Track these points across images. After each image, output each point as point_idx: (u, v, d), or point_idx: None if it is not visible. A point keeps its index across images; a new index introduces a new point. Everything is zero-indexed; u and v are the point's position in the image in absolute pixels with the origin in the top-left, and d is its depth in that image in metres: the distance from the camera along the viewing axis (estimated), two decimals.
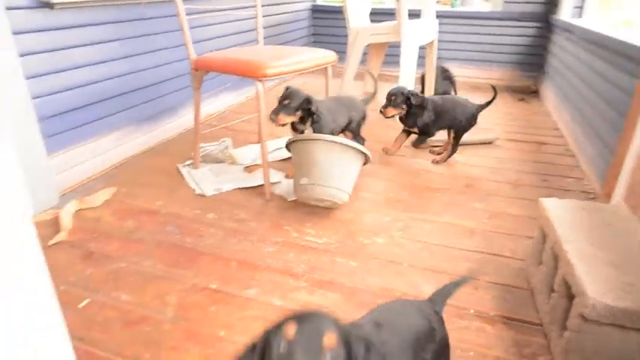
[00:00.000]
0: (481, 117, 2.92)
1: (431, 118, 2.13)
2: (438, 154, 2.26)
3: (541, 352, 1.07)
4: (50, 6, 1.63)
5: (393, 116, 2.15)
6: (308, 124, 1.83)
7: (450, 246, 1.50)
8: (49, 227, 1.55)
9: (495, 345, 1.09)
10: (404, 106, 2.10)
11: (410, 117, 2.13)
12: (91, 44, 1.85)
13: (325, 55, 1.88)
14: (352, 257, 1.43)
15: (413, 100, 2.08)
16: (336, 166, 1.63)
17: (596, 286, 0.91)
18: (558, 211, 1.20)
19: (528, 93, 3.67)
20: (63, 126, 1.77)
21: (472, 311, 1.20)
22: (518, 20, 3.62)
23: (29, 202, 1.56)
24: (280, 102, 1.79)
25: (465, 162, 2.22)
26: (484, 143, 2.44)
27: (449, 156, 2.18)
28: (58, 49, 1.70)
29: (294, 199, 1.77)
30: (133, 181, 1.91)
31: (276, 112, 1.78)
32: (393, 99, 2.11)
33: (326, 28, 4.29)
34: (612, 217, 1.19)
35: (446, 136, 2.23)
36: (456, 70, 3.40)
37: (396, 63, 3.11)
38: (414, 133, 2.21)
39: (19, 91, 1.50)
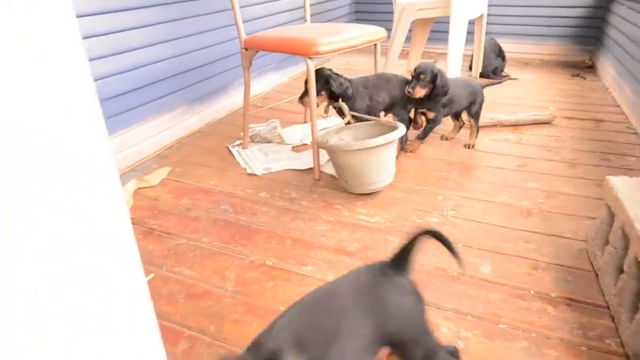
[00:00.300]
0: (533, 94, 2.83)
1: (444, 103, 1.94)
2: (448, 138, 2.14)
3: (608, 334, 1.04)
4: None
5: (421, 97, 1.90)
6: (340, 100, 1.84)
7: (507, 226, 1.46)
8: None
9: (559, 327, 1.06)
10: (431, 86, 1.88)
11: (430, 99, 1.90)
12: (143, 26, 1.89)
13: (375, 32, 1.85)
14: (405, 236, 1.42)
15: (439, 80, 1.85)
16: (369, 167, 1.60)
17: None
18: (627, 189, 1.15)
19: (583, 68, 3.48)
20: (121, 107, 1.84)
21: (532, 292, 1.18)
22: None
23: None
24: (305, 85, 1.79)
25: (517, 141, 2.14)
26: (540, 122, 2.34)
27: (477, 135, 2.07)
28: (114, 31, 1.75)
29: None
30: (186, 161, 1.96)
31: (301, 96, 1.88)
32: (422, 77, 1.87)
33: (369, 4, 4.20)
34: None
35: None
36: (506, 46, 3.26)
37: (441, 40, 3.02)
38: (426, 118, 1.99)
39: (85, 74, 1.56)
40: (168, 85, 2.08)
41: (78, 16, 1.54)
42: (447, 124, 2.15)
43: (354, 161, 1.58)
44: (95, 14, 1.66)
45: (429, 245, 1.36)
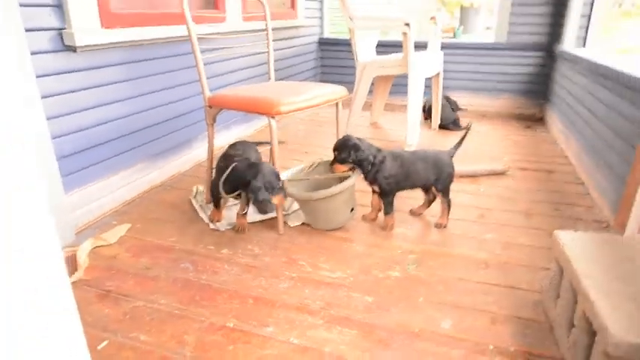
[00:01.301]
0: (489, 146, 2.97)
1: (391, 173, 1.76)
2: (419, 214, 1.97)
3: None
4: (73, 49, 1.69)
5: (345, 172, 1.81)
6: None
7: (466, 279, 1.50)
8: (65, 266, 1.56)
9: None
10: (351, 160, 1.75)
11: (369, 172, 1.77)
12: (107, 84, 1.90)
13: (336, 91, 1.93)
14: (367, 292, 1.43)
15: (353, 155, 1.73)
16: (333, 211, 1.78)
17: (618, 323, 0.90)
18: (574, 244, 1.20)
19: (534, 120, 3.70)
20: (79, 164, 1.81)
21: (492, 347, 1.19)
22: (523, 50, 3.69)
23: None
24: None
25: (475, 192, 2.23)
26: (496, 173, 2.45)
27: (448, 212, 1.86)
28: (76, 90, 1.76)
29: (299, 223, 1.88)
30: (146, 217, 1.93)
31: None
32: (336, 153, 1.78)
33: (333, 60, 4.39)
34: (629, 250, 1.19)
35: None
36: (463, 100, 3.46)
37: (402, 92, 3.17)
38: (374, 191, 1.85)
39: (41, 132, 1.54)
40: (127, 141, 2.07)
41: (40, 77, 1.55)
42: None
43: (319, 206, 1.77)
44: (53, 74, 1.66)
45: (390, 300, 1.38)
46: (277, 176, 1.67)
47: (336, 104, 2.01)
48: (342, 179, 1.79)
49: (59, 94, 1.68)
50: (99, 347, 1.19)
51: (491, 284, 1.47)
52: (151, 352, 1.17)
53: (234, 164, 1.71)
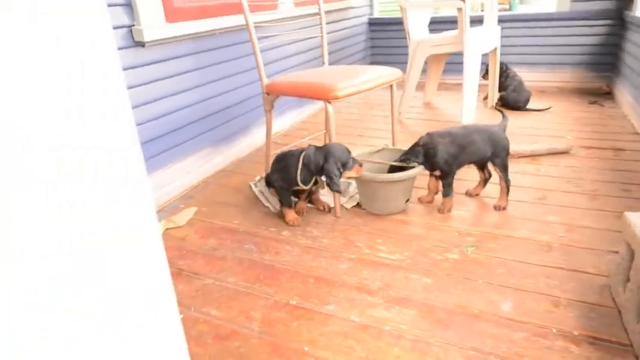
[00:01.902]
0: (551, 123, 2.85)
1: (448, 152, 1.74)
2: (475, 194, 1.94)
3: None
4: (142, 44, 1.80)
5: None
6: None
7: (528, 262, 1.48)
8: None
9: None
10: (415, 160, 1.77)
11: (426, 159, 1.77)
12: (173, 75, 2.02)
13: (391, 73, 1.93)
14: (425, 274, 1.45)
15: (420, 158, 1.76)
16: (390, 197, 1.80)
17: None
18: None
19: (601, 95, 3.48)
20: (153, 151, 1.94)
21: (554, 330, 1.18)
22: (588, 19, 3.46)
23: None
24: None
25: (535, 172, 2.16)
26: (557, 153, 2.36)
27: (507, 193, 1.82)
28: (148, 82, 1.87)
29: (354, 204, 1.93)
30: (211, 201, 2.04)
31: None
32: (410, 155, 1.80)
33: (383, 40, 4.33)
34: None
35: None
36: (521, 75, 3.31)
37: (457, 71, 3.09)
38: (432, 174, 1.84)
39: (129, 120, 1.67)
40: (195, 127, 2.19)
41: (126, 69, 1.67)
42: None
43: (378, 189, 1.79)
44: (131, 68, 1.79)
45: (449, 282, 1.39)
46: (348, 151, 1.72)
47: (391, 86, 2.01)
48: (404, 168, 1.79)
49: (131, 88, 1.80)
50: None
51: (554, 267, 1.44)
52: (222, 326, 1.27)
53: (304, 153, 1.73)
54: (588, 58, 3.60)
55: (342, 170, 1.68)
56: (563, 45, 3.64)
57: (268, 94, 1.97)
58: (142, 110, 1.86)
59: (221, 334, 1.24)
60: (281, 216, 1.87)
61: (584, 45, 3.57)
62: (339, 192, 1.71)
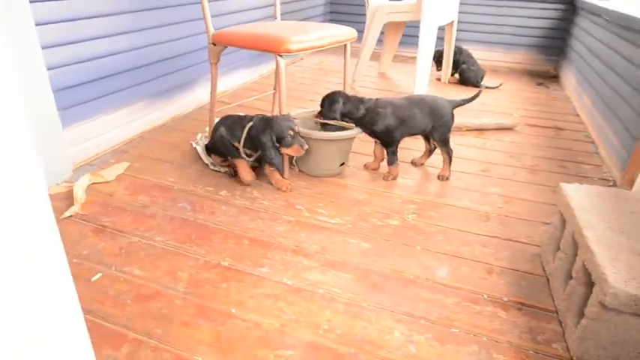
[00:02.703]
0: (499, 100, 2.88)
1: (386, 123, 1.70)
2: (420, 164, 1.93)
3: (555, 339, 1.05)
4: None
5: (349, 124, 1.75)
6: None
7: (466, 230, 1.48)
8: (62, 200, 1.55)
9: (508, 331, 1.07)
10: (332, 116, 1.72)
11: (366, 124, 1.73)
12: (106, 15, 1.82)
13: (346, 32, 1.84)
14: (364, 239, 1.42)
15: (339, 110, 1.71)
16: (324, 157, 1.75)
17: (618, 274, 0.88)
18: (579, 196, 1.17)
19: (548, 77, 3.58)
20: (76, 99, 1.76)
21: (485, 296, 1.18)
22: (543, 2, 3.50)
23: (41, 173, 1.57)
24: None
25: (481, 146, 2.18)
26: (503, 128, 2.39)
27: (449, 163, 1.81)
28: (72, 19, 1.68)
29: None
30: (145, 157, 1.90)
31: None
32: (321, 109, 1.79)
33: (343, 5, 4.20)
34: (635, 205, 1.15)
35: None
36: (475, 53, 3.32)
37: (412, 44, 3.05)
38: (377, 141, 1.81)
39: (35, 61, 1.49)
40: (129, 77, 2.01)
41: (33, 1, 1.47)
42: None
43: (312, 147, 1.70)
44: (50, 0, 1.58)
45: (387, 247, 1.37)
46: (292, 128, 1.63)
47: (345, 46, 1.92)
48: (344, 130, 1.74)
49: (55, 22, 1.60)
50: (92, 279, 1.19)
51: (490, 236, 1.45)
52: (144, 286, 1.18)
53: (250, 123, 1.65)
54: (540, 41, 3.66)
55: (276, 145, 1.62)
56: (518, 26, 3.67)
57: (215, 44, 1.83)
58: (63, 51, 1.66)
59: (142, 295, 1.15)
60: (221, 175, 1.77)
61: (537, 28, 3.63)
62: (272, 165, 1.65)
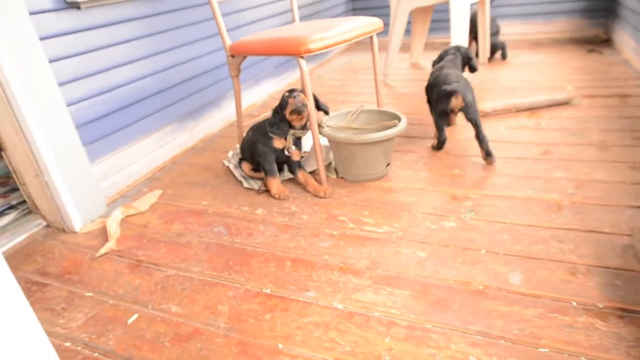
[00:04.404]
0: (548, 75, 2.63)
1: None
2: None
3: None
4: (77, 6, 1.55)
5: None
6: None
7: (535, 225, 1.28)
8: (97, 237, 1.50)
9: (612, 346, 0.88)
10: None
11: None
12: (121, 43, 1.77)
13: (370, 22, 1.69)
14: (419, 247, 1.26)
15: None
16: (369, 161, 1.61)
17: None
18: None
19: (598, 42, 3.26)
20: (102, 132, 1.71)
21: (575, 303, 0.99)
22: None
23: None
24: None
25: (536, 126, 1.95)
26: (558, 104, 2.15)
27: (481, 145, 1.65)
28: (88, 51, 1.63)
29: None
30: (178, 182, 1.83)
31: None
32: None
33: (364, 1, 4.05)
34: None
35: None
36: (512, 28, 3.08)
37: (443, 28, 2.86)
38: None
39: (52, 99, 1.44)
40: (153, 102, 1.95)
41: (44, 39, 1.43)
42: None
43: (354, 153, 1.58)
44: (65, 34, 1.54)
45: (446, 254, 1.20)
46: (284, 124, 1.59)
47: (371, 38, 1.77)
48: (384, 129, 1.59)
49: (68, 57, 1.56)
50: (129, 321, 1.10)
51: (566, 229, 1.25)
52: (182, 325, 1.07)
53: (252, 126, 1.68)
54: (583, 5, 3.36)
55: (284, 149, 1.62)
56: None
57: (233, 56, 1.74)
58: (79, 85, 1.61)
59: (181, 335, 1.05)
60: (253, 193, 1.66)
61: None
62: (267, 173, 1.62)
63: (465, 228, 1.32)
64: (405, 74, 3.05)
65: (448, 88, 1.62)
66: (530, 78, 2.60)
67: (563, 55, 3.04)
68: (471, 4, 2.57)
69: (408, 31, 3.08)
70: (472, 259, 1.18)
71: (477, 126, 1.61)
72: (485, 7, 2.85)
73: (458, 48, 1.94)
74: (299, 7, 2.05)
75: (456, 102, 1.62)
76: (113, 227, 1.51)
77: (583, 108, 2.09)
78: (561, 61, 2.92)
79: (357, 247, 1.29)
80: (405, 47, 3.46)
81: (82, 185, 1.56)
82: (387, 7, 2.88)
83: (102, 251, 1.40)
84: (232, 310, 1.10)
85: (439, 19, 3.50)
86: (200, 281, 1.23)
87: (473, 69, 1.95)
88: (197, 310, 1.12)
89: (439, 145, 1.79)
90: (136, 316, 1.13)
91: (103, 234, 1.50)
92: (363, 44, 4.18)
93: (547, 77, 2.61)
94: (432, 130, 1.88)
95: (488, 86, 2.53)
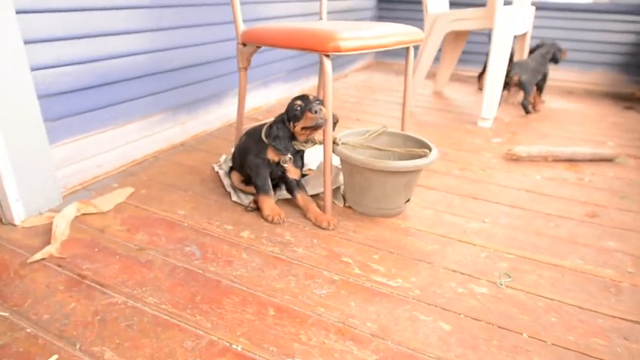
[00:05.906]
0: (583, 125, 2.40)
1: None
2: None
3: None
4: None
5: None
6: None
7: (590, 308, 1.00)
8: (38, 236, 1.20)
9: None
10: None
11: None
12: (116, 8, 1.50)
13: (409, 31, 1.43)
14: (442, 316, 0.97)
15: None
16: (387, 193, 1.33)
17: None
18: None
19: (634, 100, 3.04)
20: (72, 108, 1.42)
21: None
22: (629, 13, 3.01)
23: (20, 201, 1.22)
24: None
25: (577, 182, 1.69)
26: (600, 159, 1.90)
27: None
28: (73, 9, 1.35)
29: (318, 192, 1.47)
30: (156, 182, 1.54)
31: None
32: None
33: (395, 11, 3.84)
34: None
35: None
36: (549, 73, 2.85)
37: (472, 61, 2.63)
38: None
39: (11, 58, 1.16)
40: (142, 84, 1.67)
41: None
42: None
43: (372, 180, 1.30)
44: None
45: (478, 333, 0.91)
46: (288, 138, 1.31)
47: (407, 49, 1.51)
48: (411, 157, 1.32)
49: (44, 11, 1.28)
50: None
51: (631, 321, 0.97)
52: None
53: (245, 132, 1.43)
54: (622, 59, 3.15)
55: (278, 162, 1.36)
56: (597, 42, 3.18)
57: (245, 44, 1.48)
58: (52, 47, 1.33)
59: None
60: (248, 212, 1.38)
61: (621, 43, 3.12)
62: (260, 191, 1.34)
63: (501, 298, 1.03)
64: (428, 102, 2.81)
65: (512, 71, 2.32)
66: (566, 127, 2.36)
67: (600, 109, 2.81)
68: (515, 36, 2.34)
69: (436, 59, 2.85)
70: (511, 344, 0.90)
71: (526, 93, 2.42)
72: (526, 43, 2.62)
73: (553, 44, 2.58)
74: (328, 13, 1.80)
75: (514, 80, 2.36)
76: (61, 226, 1.21)
77: (630, 169, 1.84)
78: (599, 114, 2.69)
79: (363, 302, 1.00)
80: (429, 75, 3.23)
81: (33, 168, 1.27)
82: (415, 21, 2.66)
83: (37, 256, 1.10)
84: None
85: (469, 51, 3.28)
86: (153, 318, 0.93)
87: (556, 61, 2.60)
88: None
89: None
90: (54, 358, 0.82)
91: (47, 232, 1.20)
92: (383, 65, 3.95)
93: (584, 128, 2.37)
94: (455, 166, 1.62)
95: (519, 130, 2.28)
